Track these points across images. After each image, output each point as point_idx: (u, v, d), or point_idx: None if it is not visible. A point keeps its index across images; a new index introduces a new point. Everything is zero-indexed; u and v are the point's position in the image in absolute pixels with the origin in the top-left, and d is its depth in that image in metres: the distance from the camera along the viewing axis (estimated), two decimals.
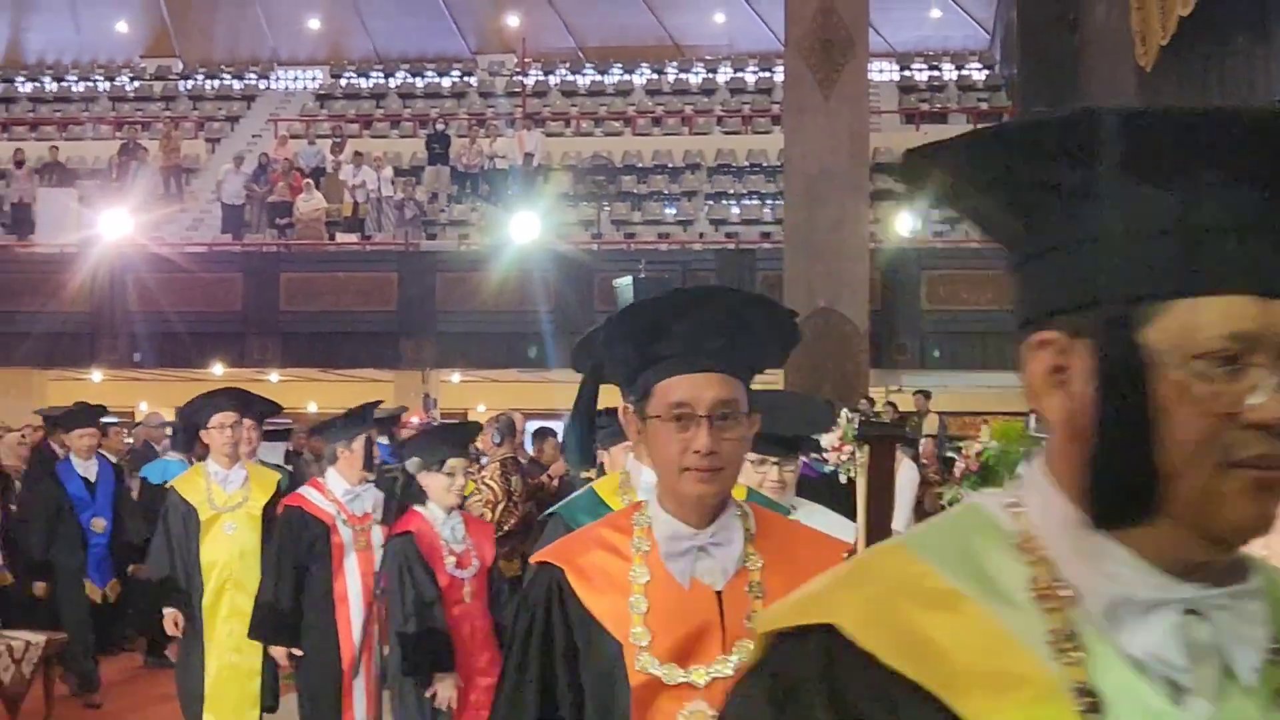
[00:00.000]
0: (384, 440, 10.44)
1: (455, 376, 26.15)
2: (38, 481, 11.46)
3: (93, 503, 10.97)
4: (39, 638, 9.83)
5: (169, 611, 8.00)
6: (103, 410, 11.63)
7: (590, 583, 2.75)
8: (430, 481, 6.55)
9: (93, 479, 11.01)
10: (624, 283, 21.01)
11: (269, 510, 8.02)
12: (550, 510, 4.49)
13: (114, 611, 11.27)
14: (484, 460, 11.98)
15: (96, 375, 25.45)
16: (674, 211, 27.86)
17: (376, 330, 23.68)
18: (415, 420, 13.95)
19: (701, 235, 26.73)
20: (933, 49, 34.50)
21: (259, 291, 23.93)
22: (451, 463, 6.53)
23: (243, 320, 23.92)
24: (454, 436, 6.90)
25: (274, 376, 25.55)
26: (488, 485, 9.69)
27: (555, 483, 10.57)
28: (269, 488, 8.21)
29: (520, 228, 23.63)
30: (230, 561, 8.00)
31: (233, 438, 8.05)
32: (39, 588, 10.74)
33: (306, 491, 7.50)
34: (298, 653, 7.33)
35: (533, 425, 13.24)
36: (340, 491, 7.37)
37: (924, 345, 23.03)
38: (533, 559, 2.93)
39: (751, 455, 4.11)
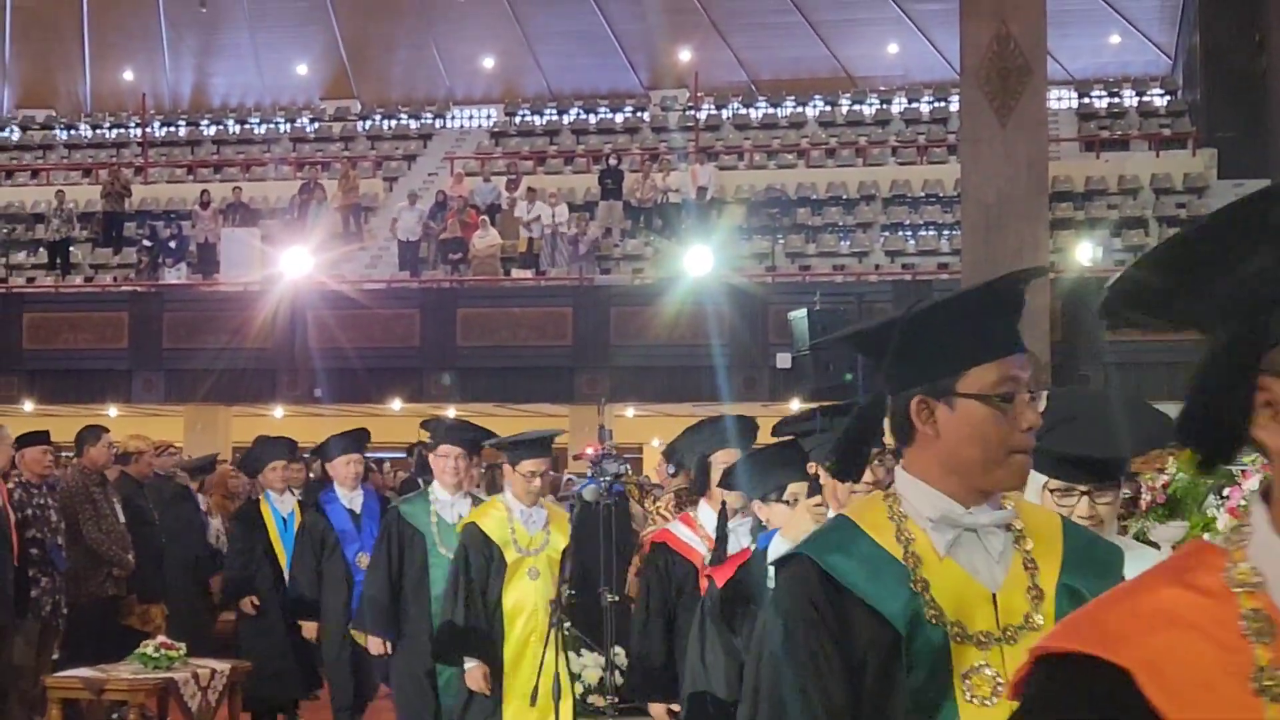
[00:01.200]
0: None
1: (630, 411, 26.17)
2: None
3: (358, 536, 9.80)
4: (224, 665, 9.96)
5: (474, 666, 7.38)
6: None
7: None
8: (773, 512, 5.37)
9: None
10: (799, 315, 20.87)
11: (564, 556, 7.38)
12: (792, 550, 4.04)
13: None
14: (659, 491, 11.91)
15: (278, 411, 25.91)
16: (849, 243, 27.63)
17: (551, 365, 23.78)
18: (590, 452, 13.89)
19: (877, 267, 26.47)
20: (1112, 75, 33.86)
21: (436, 327, 24.19)
22: (793, 488, 5.31)
23: (420, 356, 24.19)
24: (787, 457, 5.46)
25: (451, 411, 25.80)
26: (662, 516, 9.60)
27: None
28: (566, 531, 7.45)
29: (694, 261, 23.59)
30: (536, 611, 7.34)
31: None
32: (309, 629, 9.92)
33: (675, 527, 6.59)
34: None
35: None
36: (711, 526, 6.14)
37: (1107, 376, 22.52)
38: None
39: (1053, 483, 3.63)
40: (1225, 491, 7.12)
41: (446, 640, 7.43)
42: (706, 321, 22.87)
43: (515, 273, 26.45)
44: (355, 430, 10.13)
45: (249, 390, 24.58)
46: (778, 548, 4.40)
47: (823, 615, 2.57)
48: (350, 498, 9.78)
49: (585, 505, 6.42)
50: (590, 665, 11.26)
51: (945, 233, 27.24)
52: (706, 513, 6.22)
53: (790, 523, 4.53)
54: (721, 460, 6.15)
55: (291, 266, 24.60)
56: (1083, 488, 3.61)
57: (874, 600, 2.56)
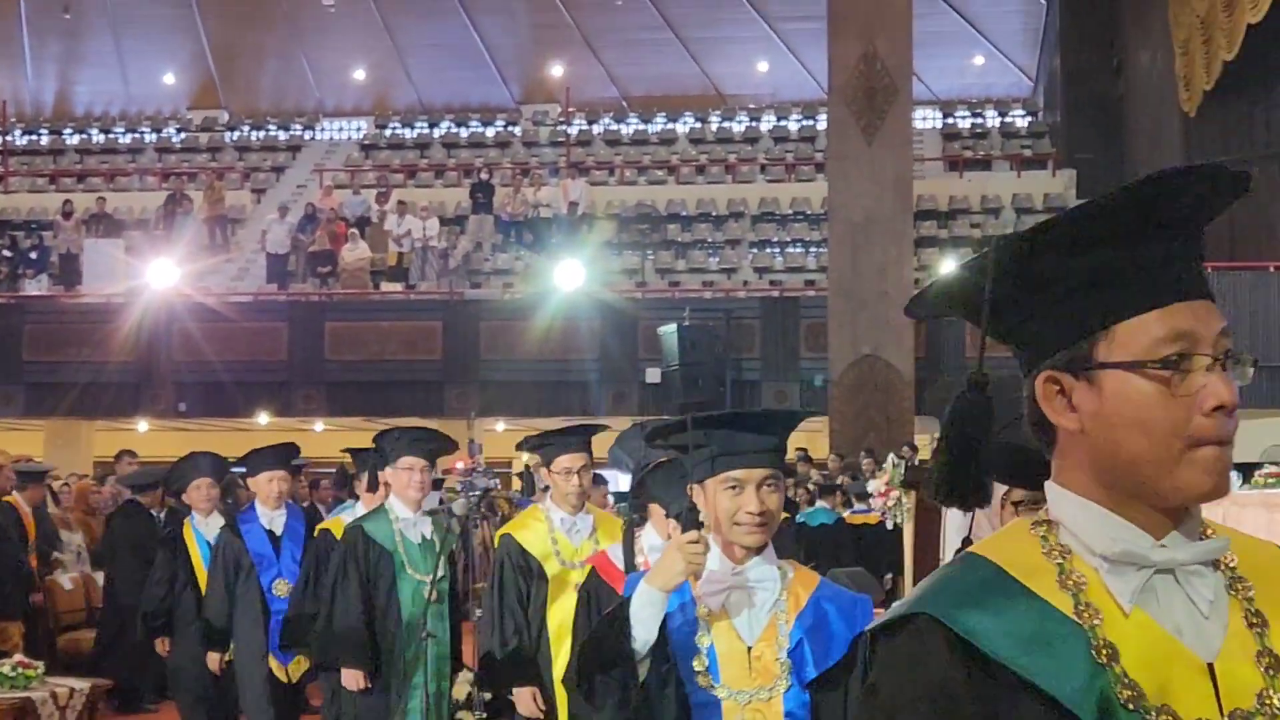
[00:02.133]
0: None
1: (500, 425, 26.15)
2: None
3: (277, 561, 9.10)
4: (84, 684, 9.81)
5: (522, 692, 6.66)
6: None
7: None
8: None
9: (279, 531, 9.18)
10: (668, 330, 20.99)
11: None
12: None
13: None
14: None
15: (142, 425, 25.55)
16: (718, 260, 27.85)
17: (421, 379, 23.72)
18: (460, 465, 13.90)
19: (746, 283, 26.70)
20: (976, 96, 34.46)
21: (304, 341, 24.01)
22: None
23: (288, 370, 23.99)
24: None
25: (319, 426, 25.60)
26: None
27: None
28: (619, 538, 6.07)
29: (564, 276, 23.65)
30: None
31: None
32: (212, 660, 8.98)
33: (614, 551, 5.65)
34: None
35: None
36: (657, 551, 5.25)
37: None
38: None
39: (1017, 493, 3.31)
40: None
41: (495, 668, 6.73)
42: (577, 336, 22.95)
43: (385, 286, 26.32)
44: (280, 445, 9.22)
45: (112, 404, 24.21)
46: (646, 601, 3.47)
47: (958, 704, 1.72)
48: (271, 518, 8.92)
49: (456, 520, 6.40)
50: (459, 681, 11.24)
51: (812, 249, 27.55)
52: (651, 536, 5.16)
53: (658, 566, 3.50)
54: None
55: (156, 278, 24.28)
56: None
57: (1041, 678, 1.71)
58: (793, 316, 23.39)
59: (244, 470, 9.49)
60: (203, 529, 9.49)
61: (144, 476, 13.55)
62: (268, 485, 8.95)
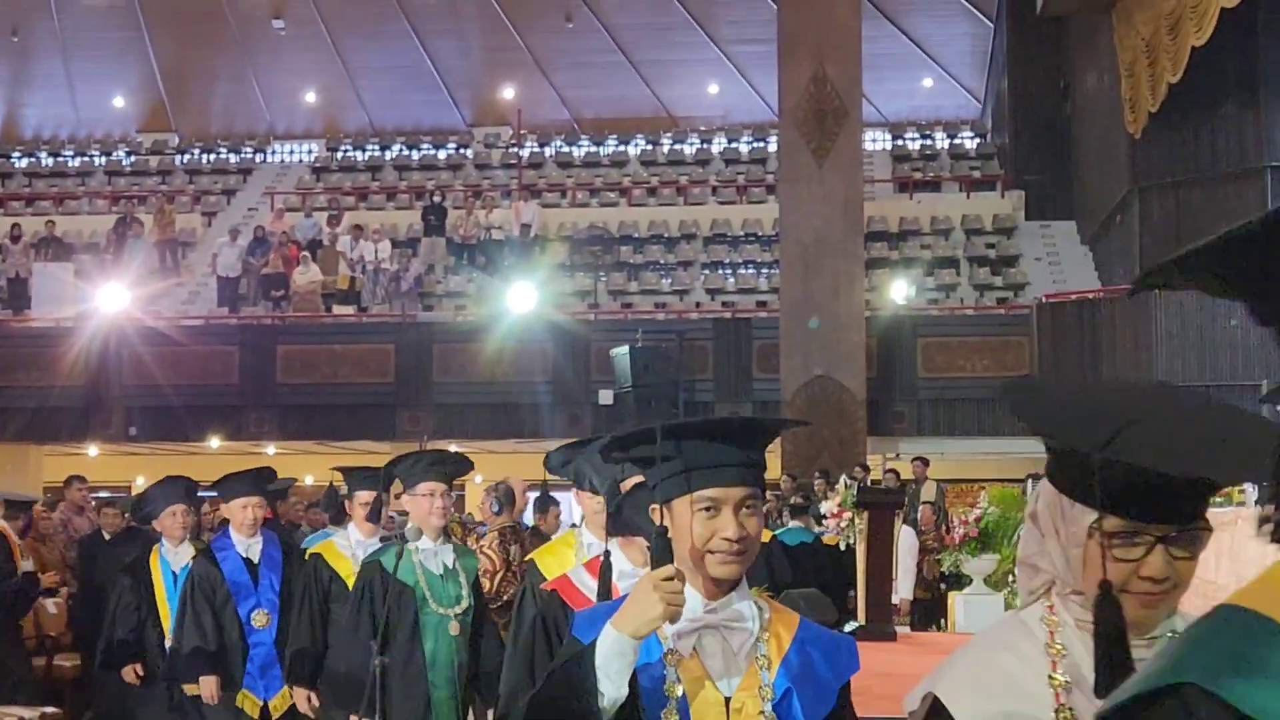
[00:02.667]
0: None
1: (452, 448, 26.10)
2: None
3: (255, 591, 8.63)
4: (32, 713, 9.75)
5: None
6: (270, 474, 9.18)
7: None
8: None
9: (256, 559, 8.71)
10: (621, 352, 21.06)
11: None
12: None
13: None
14: (483, 529, 11.94)
15: (92, 450, 25.41)
16: (670, 281, 27.93)
17: (373, 402, 23.69)
18: None
19: (698, 305, 26.79)
20: (925, 118, 34.70)
21: (255, 364, 23.95)
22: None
23: (239, 393, 23.93)
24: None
25: (271, 449, 25.51)
26: (486, 555, 9.63)
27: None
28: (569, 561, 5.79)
29: (517, 298, 23.68)
30: None
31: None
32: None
33: (576, 574, 5.04)
34: None
35: (534, 494, 13.18)
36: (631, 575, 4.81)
37: (920, 412, 23.04)
38: None
39: (1110, 522, 2.20)
40: None
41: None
42: (529, 358, 22.99)
43: (337, 309, 26.28)
44: (256, 469, 8.63)
45: (62, 429, 24.08)
46: (615, 651, 2.85)
47: None
48: (248, 545, 8.36)
49: (405, 544, 6.38)
50: None
51: (764, 271, 27.66)
52: (620, 561, 4.55)
53: (628, 608, 2.88)
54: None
55: (106, 302, 24.18)
56: (1157, 532, 2.16)
57: None
58: (745, 337, 23.49)
59: (217, 495, 9.20)
60: (171, 558, 9.05)
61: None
62: (242, 512, 8.38)
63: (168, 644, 8.62)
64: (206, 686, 8.12)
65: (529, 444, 23.50)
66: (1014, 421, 2.14)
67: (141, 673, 8.99)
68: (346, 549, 7.87)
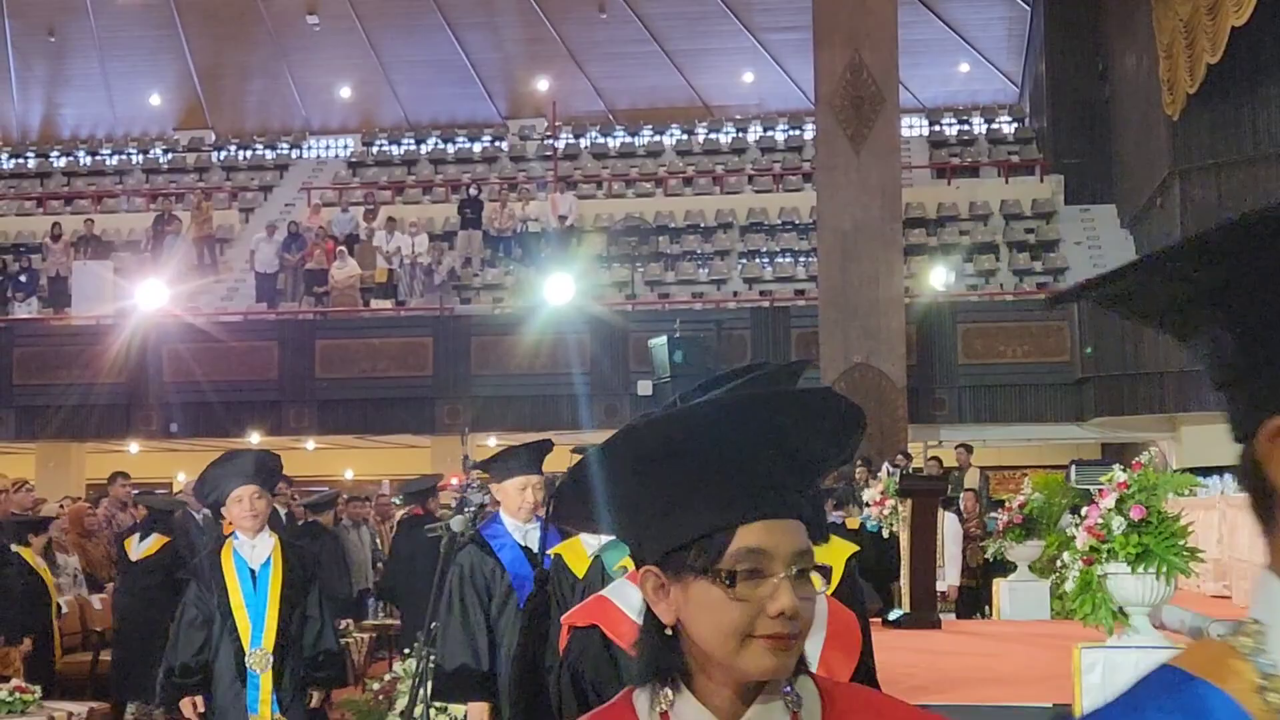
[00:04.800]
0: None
1: (491, 440, 26.13)
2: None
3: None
4: (81, 708, 9.79)
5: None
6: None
7: None
8: None
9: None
10: (659, 343, 21.00)
11: None
12: None
13: None
14: None
15: (133, 447, 25.52)
16: (707, 271, 27.85)
17: (412, 395, 23.71)
18: (455, 482, 13.90)
19: (735, 294, 26.70)
20: (962, 103, 34.52)
21: (294, 360, 24.00)
22: None
23: (278, 389, 23.98)
24: None
25: (310, 444, 25.57)
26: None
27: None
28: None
29: (554, 290, 23.65)
30: None
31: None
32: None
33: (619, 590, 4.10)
34: None
35: None
36: None
37: (960, 398, 22.92)
38: None
39: None
40: (1083, 510, 7.31)
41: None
42: (567, 350, 22.94)
43: (374, 303, 26.31)
44: (536, 443, 7.04)
45: (102, 426, 24.18)
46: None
47: None
48: (526, 532, 6.82)
49: (453, 537, 6.32)
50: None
51: (802, 259, 27.56)
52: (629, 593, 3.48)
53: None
54: None
55: (145, 299, 24.27)
56: None
57: None
58: (783, 326, 23.40)
59: (488, 474, 7.45)
60: (247, 553, 7.28)
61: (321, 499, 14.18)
62: (520, 494, 6.89)
63: (252, 662, 7.13)
64: (476, 716, 6.61)
65: (567, 435, 23.49)
66: (1055, 406, 2.08)
67: (202, 709, 7.16)
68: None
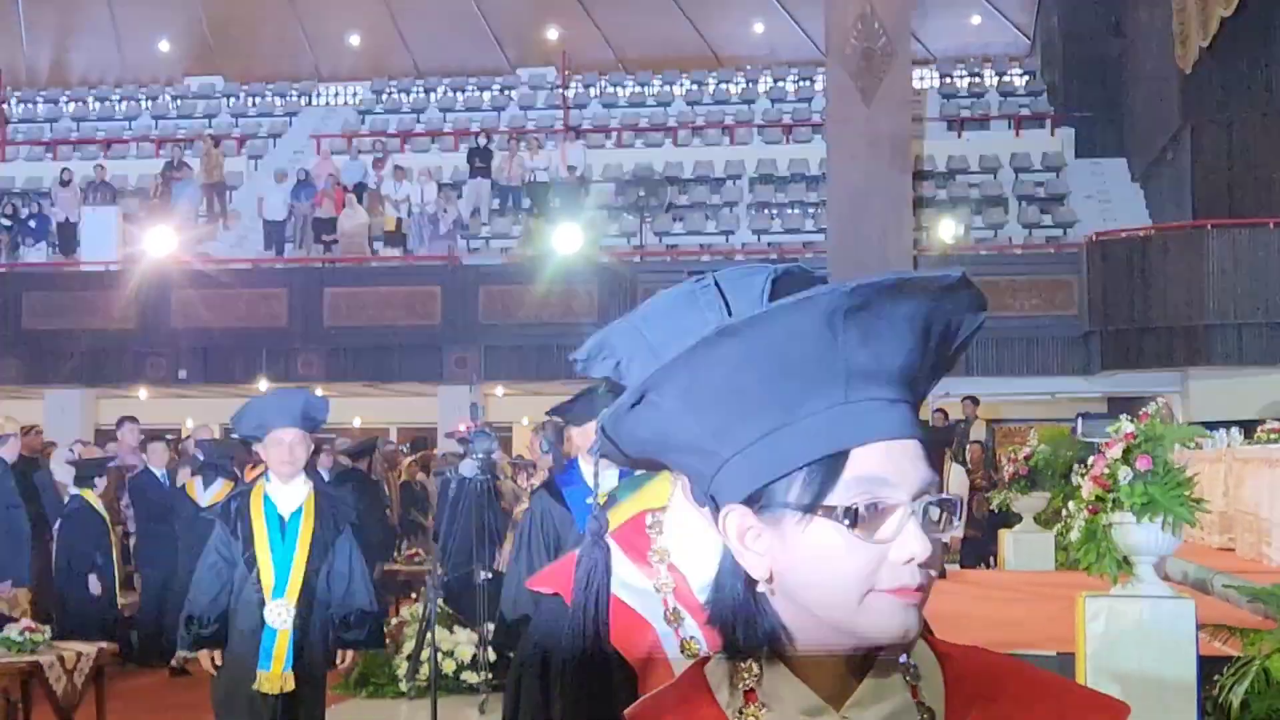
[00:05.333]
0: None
1: (499, 390, 26.18)
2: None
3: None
4: (90, 649, 9.85)
5: None
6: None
7: None
8: None
9: None
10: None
11: None
12: None
13: None
14: (531, 469, 11.97)
15: (142, 392, 25.56)
16: (715, 222, 27.81)
17: (420, 344, 23.73)
18: (462, 429, 13.98)
19: (744, 246, 26.67)
20: (973, 55, 34.36)
21: (303, 307, 24.02)
22: None
23: (287, 336, 24.01)
24: None
25: (318, 392, 25.57)
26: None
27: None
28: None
29: (562, 240, 23.64)
30: None
31: None
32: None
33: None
34: None
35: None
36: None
37: (967, 351, 22.87)
38: None
39: None
40: (1090, 460, 7.33)
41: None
42: (575, 300, 22.95)
43: (383, 251, 26.31)
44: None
45: (112, 371, 24.25)
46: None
47: None
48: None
49: (461, 481, 6.36)
50: (464, 642, 11.31)
51: (811, 211, 27.51)
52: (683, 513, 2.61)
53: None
54: None
55: (154, 245, 24.28)
56: None
57: None
58: None
59: (561, 419, 7.16)
60: (278, 499, 6.82)
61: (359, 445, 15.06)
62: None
63: (270, 615, 6.68)
64: None
65: (576, 385, 23.52)
66: (1063, 360, 2.07)
67: (220, 662, 6.78)
68: None
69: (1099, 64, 28.62)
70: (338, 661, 6.97)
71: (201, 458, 13.27)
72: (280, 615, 6.60)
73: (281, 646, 6.61)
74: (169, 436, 16.45)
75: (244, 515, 6.70)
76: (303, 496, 6.78)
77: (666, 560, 2.34)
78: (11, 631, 9.40)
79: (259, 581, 6.63)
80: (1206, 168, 22.64)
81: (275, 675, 6.58)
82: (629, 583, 2.30)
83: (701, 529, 2.13)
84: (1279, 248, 20.64)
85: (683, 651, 2.26)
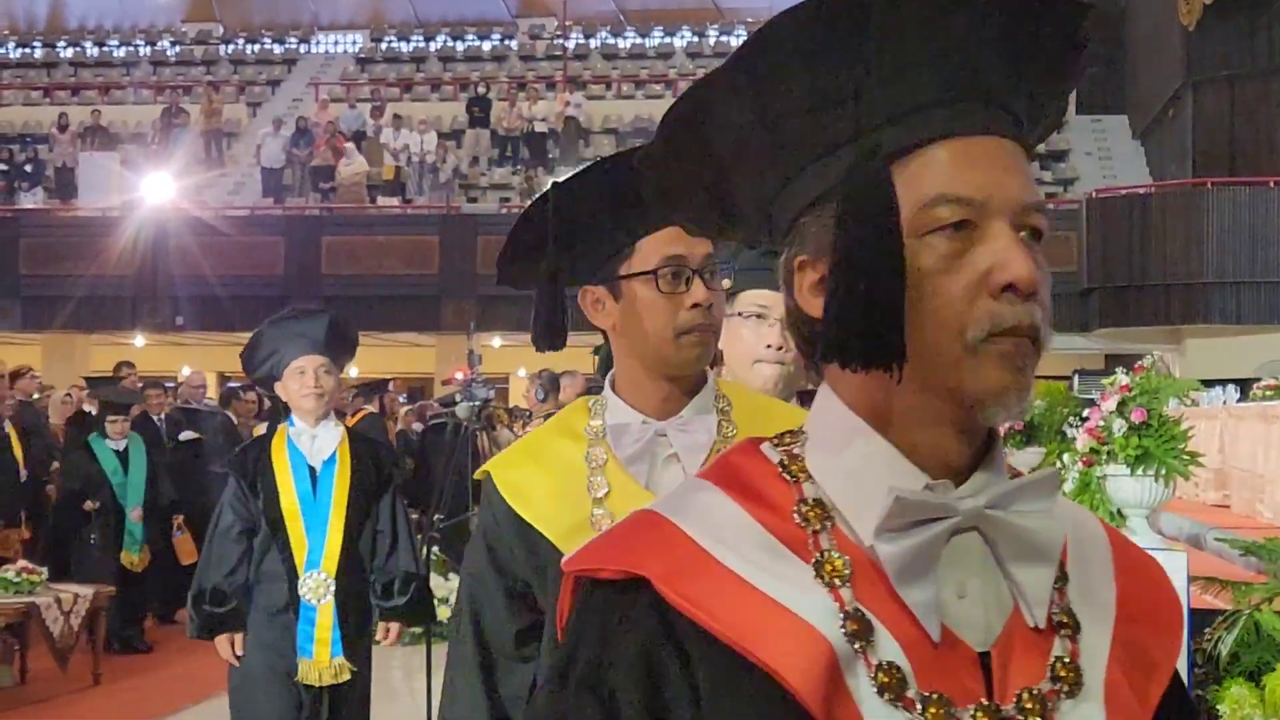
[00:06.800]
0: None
1: (496, 341, 26.18)
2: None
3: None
4: (87, 590, 9.88)
5: None
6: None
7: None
8: None
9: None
10: None
11: None
12: None
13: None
14: (527, 416, 11.98)
15: (139, 339, 25.56)
16: None
17: (418, 294, 23.71)
18: (459, 376, 14.02)
19: None
20: None
21: (300, 255, 24.00)
22: None
23: (284, 284, 23.97)
24: None
25: None
26: None
27: None
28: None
29: None
30: None
31: None
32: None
33: None
34: None
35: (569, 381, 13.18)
36: None
37: None
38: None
39: None
40: (1085, 413, 7.34)
41: None
42: None
43: (381, 200, 26.27)
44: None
45: (109, 317, 24.23)
46: None
47: None
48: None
49: (457, 427, 6.38)
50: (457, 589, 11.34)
51: None
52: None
53: None
54: None
55: (152, 192, 24.24)
56: None
57: None
58: None
59: None
60: (305, 445, 5.67)
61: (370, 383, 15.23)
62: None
63: (306, 590, 5.50)
64: None
65: (573, 335, 23.50)
66: (1060, 316, 2.05)
67: (241, 650, 5.55)
68: None
69: (1101, 20, 28.20)
70: (381, 637, 5.79)
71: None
72: (319, 590, 5.47)
73: (324, 628, 5.46)
74: (167, 384, 16.41)
75: (265, 468, 5.55)
76: (335, 441, 5.64)
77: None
78: (8, 573, 9.44)
79: (289, 549, 5.48)
80: (1208, 126, 22.58)
81: (322, 663, 5.46)
82: None
83: None
84: (1279, 207, 20.61)
85: None
